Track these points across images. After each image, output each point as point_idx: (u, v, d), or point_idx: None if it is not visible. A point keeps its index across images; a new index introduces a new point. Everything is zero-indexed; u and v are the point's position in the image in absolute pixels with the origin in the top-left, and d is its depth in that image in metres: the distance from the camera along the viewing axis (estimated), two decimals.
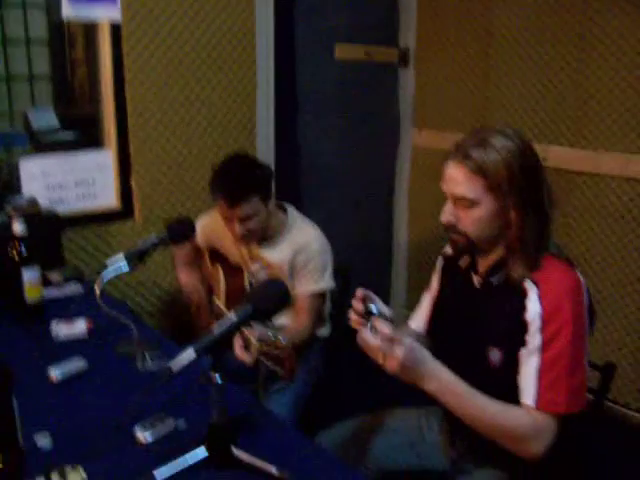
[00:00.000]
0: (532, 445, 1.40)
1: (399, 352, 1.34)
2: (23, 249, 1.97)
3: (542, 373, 1.42)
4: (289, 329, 2.11)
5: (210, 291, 2.44)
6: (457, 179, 1.47)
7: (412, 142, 3.98)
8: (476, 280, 1.62)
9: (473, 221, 1.48)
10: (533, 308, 1.44)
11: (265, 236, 2.27)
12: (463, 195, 1.46)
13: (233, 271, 2.33)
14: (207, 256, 2.46)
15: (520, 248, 1.47)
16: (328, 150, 3.70)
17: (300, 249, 2.24)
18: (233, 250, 2.36)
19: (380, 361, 1.37)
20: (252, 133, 3.14)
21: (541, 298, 1.44)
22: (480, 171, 1.43)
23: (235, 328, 1.24)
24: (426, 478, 1.77)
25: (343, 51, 3.61)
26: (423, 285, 3.32)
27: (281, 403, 2.11)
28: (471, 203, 1.46)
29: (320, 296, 2.26)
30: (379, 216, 4.10)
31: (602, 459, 2.56)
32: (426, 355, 1.39)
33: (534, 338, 1.43)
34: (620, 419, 3.08)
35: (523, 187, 1.44)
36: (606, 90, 2.98)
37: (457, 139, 1.53)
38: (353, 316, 1.49)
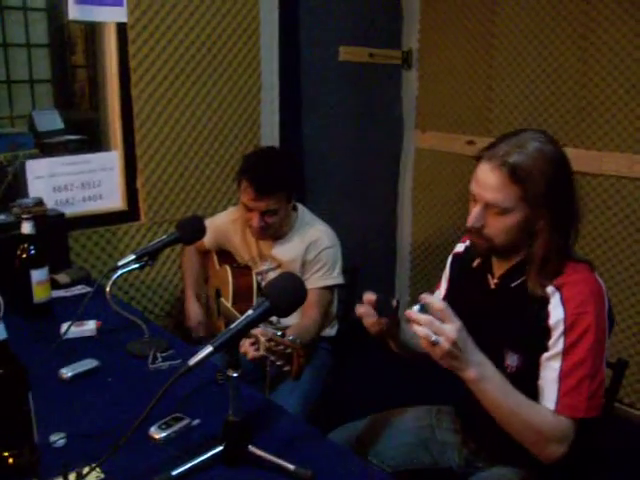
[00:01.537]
0: (554, 447, 1.38)
1: (451, 329, 1.29)
2: (32, 249, 1.97)
3: (563, 378, 1.39)
4: (297, 325, 2.11)
5: (217, 291, 2.44)
6: (492, 185, 1.42)
7: (415, 143, 3.99)
8: (492, 281, 1.60)
9: (502, 228, 1.45)
10: (556, 314, 1.42)
11: (277, 235, 2.27)
12: (496, 203, 1.42)
13: (241, 271, 2.33)
14: (215, 257, 2.46)
15: (543, 257, 1.44)
16: (332, 151, 3.70)
17: (311, 245, 2.25)
18: (243, 249, 2.37)
19: (425, 342, 1.30)
20: (257, 135, 3.14)
21: (564, 304, 1.41)
22: (517, 180, 1.39)
23: (252, 323, 1.23)
24: (438, 477, 1.77)
25: (347, 53, 3.62)
26: (426, 286, 3.35)
27: (288, 402, 2.10)
28: (503, 211, 1.43)
29: (330, 292, 2.27)
30: (383, 217, 4.11)
31: (607, 459, 2.56)
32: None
33: (557, 343, 1.41)
34: (623, 418, 3.08)
35: (557, 199, 1.42)
36: (610, 90, 2.99)
37: (487, 143, 1.49)
38: (363, 308, 1.47)
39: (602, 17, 2.95)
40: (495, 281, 1.58)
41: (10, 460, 1.23)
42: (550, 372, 1.41)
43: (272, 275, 2.28)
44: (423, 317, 1.30)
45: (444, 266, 1.85)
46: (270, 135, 3.19)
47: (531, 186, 1.40)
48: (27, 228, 1.96)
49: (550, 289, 1.44)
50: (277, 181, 2.14)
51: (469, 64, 3.60)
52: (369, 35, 3.73)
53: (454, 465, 1.75)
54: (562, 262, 1.46)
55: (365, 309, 1.48)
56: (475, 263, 1.65)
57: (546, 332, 1.42)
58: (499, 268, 1.57)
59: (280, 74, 3.20)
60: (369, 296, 1.48)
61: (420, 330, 1.29)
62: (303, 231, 2.29)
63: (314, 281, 2.21)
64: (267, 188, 2.12)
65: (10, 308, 1.98)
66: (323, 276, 2.25)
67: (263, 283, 2.29)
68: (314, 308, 2.20)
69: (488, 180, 1.43)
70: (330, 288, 2.27)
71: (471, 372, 1.33)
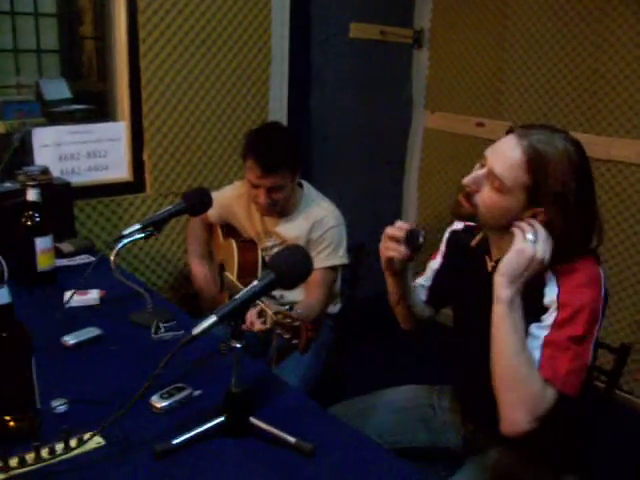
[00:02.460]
0: (525, 416, 1.33)
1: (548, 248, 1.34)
2: (36, 217, 1.96)
3: (547, 345, 1.36)
4: (302, 303, 2.10)
5: (222, 266, 2.43)
6: (507, 159, 1.39)
7: (424, 124, 3.96)
8: (489, 264, 1.57)
9: (491, 205, 1.42)
10: (551, 294, 1.39)
11: (283, 211, 2.26)
12: (501, 177, 1.38)
13: (246, 245, 2.33)
14: (220, 230, 2.45)
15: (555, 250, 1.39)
16: (340, 129, 3.68)
17: (316, 224, 2.24)
18: (247, 225, 2.36)
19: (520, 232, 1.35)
20: (265, 109, 3.12)
21: (560, 285, 1.39)
22: (532, 169, 1.36)
23: (257, 295, 1.23)
24: (437, 455, 1.77)
25: (358, 30, 3.58)
26: None
27: (290, 377, 2.10)
28: (503, 189, 1.39)
29: (334, 271, 2.26)
30: (389, 196, 4.09)
31: (605, 445, 2.57)
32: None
33: (548, 318, 1.39)
34: (621, 404, 3.08)
35: (568, 204, 1.37)
36: (622, 76, 2.96)
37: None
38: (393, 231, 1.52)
39: (617, 0, 2.91)
40: (492, 264, 1.55)
41: (11, 424, 1.23)
42: (536, 339, 1.38)
43: (276, 251, 2.27)
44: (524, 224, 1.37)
45: None
46: (278, 110, 3.17)
47: (542, 182, 1.36)
48: (33, 195, 1.95)
49: (548, 274, 1.41)
50: (282, 158, 2.14)
51: (481, 45, 3.56)
52: (380, 12, 3.69)
53: (452, 445, 1.75)
54: (566, 256, 1.42)
55: (393, 231, 1.50)
56: (474, 242, 1.62)
57: (540, 310, 1.40)
58: (497, 251, 1.53)
59: (290, 49, 3.17)
60: (402, 224, 1.52)
61: (523, 225, 1.36)
62: (308, 209, 2.28)
63: (319, 261, 2.20)
64: (273, 165, 2.11)
65: (14, 275, 1.98)
66: (328, 256, 2.24)
67: (267, 259, 2.28)
68: (318, 287, 2.19)
69: (507, 152, 1.40)
70: (335, 268, 2.27)
71: (511, 292, 1.34)
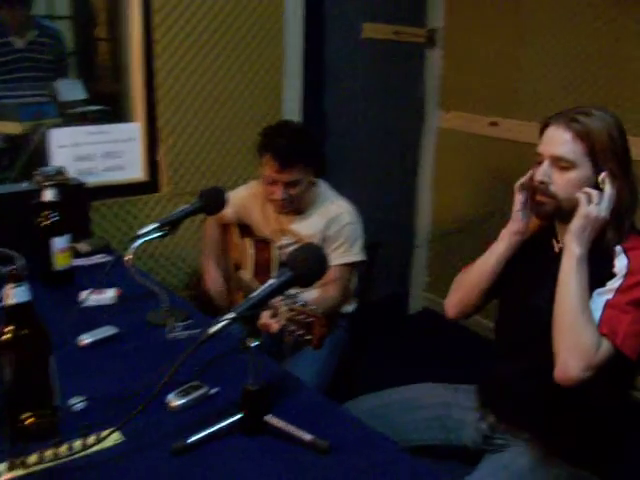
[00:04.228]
0: (580, 362, 1.41)
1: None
2: (53, 217, 1.98)
3: (609, 307, 1.45)
4: (317, 299, 2.11)
5: (237, 265, 2.44)
6: (560, 140, 1.54)
7: (437, 123, 3.95)
8: (557, 246, 1.65)
9: (567, 182, 1.54)
10: (620, 264, 1.49)
11: (299, 208, 2.27)
12: (563, 155, 1.52)
13: (262, 244, 2.34)
14: (237, 230, 2.46)
15: (614, 216, 1.51)
16: (353, 128, 3.68)
17: (332, 221, 2.25)
18: (263, 224, 2.37)
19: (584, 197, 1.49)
20: (279, 109, 3.12)
21: (630, 256, 1.49)
22: (585, 135, 1.51)
23: (274, 293, 1.23)
24: (452, 454, 1.77)
25: (371, 30, 3.58)
26: (444, 266, 3.31)
27: (304, 375, 2.10)
28: (569, 164, 1.53)
29: (350, 268, 2.27)
30: (402, 195, 4.09)
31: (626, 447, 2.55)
32: None
33: (614, 282, 1.47)
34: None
35: (621, 157, 1.53)
36: None
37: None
38: None
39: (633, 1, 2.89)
40: (560, 245, 1.62)
41: (30, 420, 1.24)
42: (599, 302, 1.47)
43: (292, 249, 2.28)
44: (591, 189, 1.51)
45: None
46: (292, 110, 3.18)
47: (598, 142, 1.51)
48: (50, 195, 1.97)
49: (617, 248, 1.51)
50: (299, 152, 2.16)
51: (495, 44, 3.55)
52: (393, 12, 3.68)
53: (469, 442, 1.75)
54: (631, 224, 1.54)
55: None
56: (537, 227, 1.71)
57: (607, 279, 1.49)
58: (563, 233, 1.60)
59: (303, 49, 3.17)
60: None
61: (590, 190, 1.50)
62: (324, 207, 2.29)
63: (334, 258, 2.20)
64: (290, 159, 2.13)
65: (31, 275, 2.00)
66: (344, 253, 2.24)
67: (283, 257, 2.29)
68: (334, 285, 2.19)
69: (556, 136, 1.55)
70: (350, 265, 2.27)
71: (580, 250, 1.48)
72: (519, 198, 1.66)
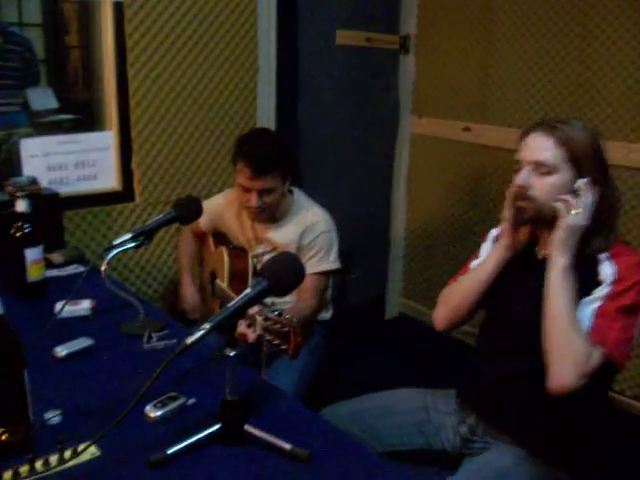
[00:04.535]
0: (573, 369, 1.42)
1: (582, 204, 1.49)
2: (26, 227, 1.95)
3: (599, 315, 1.47)
4: (292, 308, 2.11)
5: (213, 274, 2.43)
6: (542, 146, 1.57)
7: (411, 129, 3.98)
8: (539, 253, 1.67)
9: (547, 186, 1.56)
10: (606, 270, 1.51)
11: (274, 216, 2.27)
12: (545, 160, 1.55)
13: (237, 253, 2.33)
14: (211, 239, 2.45)
15: (599, 221, 1.54)
16: (328, 135, 3.68)
17: (307, 229, 2.25)
18: (238, 232, 2.36)
19: (563, 206, 1.51)
20: (253, 117, 3.12)
21: (616, 264, 1.51)
22: (566, 142, 1.55)
23: (250, 302, 1.23)
24: (432, 458, 1.78)
25: (344, 37, 3.59)
26: (420, 272, 3.33)
27: (282, 383, 2.10)
28: (550, 169, 1.55)
29: (325, 277, 2.27)
30: (377, 202, 4.10)
31: (607, 451, 2.57)
32: None
33: (602, 290, 1.50)
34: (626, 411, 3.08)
35: (600, 164, 1.56)
36: (607, 79, 2.98)
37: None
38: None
39: (601, 5, 2.94)
40: (543, 252, 1.65)
41: (4, 436, 1.22)
42: (587, 310, 1.49)
43: (268, 258, 2.28)
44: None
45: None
46: (266, 118, 3.18)
47: (577, 150, 1.54)
48: (22, 206, 1.93)
49: (601, 256, 1.54)
50: (273, 159, 2.15)
51: (467, 50, 3.58)
52: (367, 19, 3.70)
53: (449, 447, 1.75)
54: (615, 231, 1.57)
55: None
56: (522, 235, 1.71)
57: (593, 287, 1.51)
58: (545, 240, 1.63)
59: (277, 57, 3.17)
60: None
61: (568, 197, 1.51)
62: (299, 215, 2.29)
63: (310, 266, 2.21)
64: (263, 167, 2.13)
65: (3, 287, 1.97)
66: (319, 261, 2.25)
67: (259, 266, 2.28)
68: (310, 293, 2.20)
69: (537, 143, 1.58)
70: (326, 273, 2.27)
71: (567, 259, 1.49)
72: (508, 213, 1.67)
